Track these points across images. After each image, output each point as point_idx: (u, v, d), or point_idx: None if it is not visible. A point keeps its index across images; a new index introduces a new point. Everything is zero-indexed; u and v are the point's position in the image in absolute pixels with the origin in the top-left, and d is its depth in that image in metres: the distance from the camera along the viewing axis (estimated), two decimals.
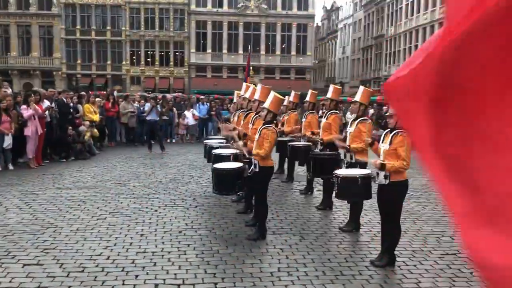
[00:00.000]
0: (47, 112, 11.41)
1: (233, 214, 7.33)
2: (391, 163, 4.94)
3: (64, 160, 12.07)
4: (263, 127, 5.80)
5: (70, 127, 12.05)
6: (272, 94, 5.93)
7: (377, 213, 7.39)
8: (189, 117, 17.94)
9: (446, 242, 6.21)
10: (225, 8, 46.98)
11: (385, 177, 5.05)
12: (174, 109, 17.73)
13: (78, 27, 45.32)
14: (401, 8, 43.06)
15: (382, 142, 5.25)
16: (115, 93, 16.76)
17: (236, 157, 6.57)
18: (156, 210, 7.43)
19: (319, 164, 6.46)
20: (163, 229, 6.44)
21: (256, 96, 6.51)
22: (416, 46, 40.09)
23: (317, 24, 60.61)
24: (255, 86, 7.32)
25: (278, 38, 47.25)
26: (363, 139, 6.28)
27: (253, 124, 6.42)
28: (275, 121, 6.18)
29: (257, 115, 6.45)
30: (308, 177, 9.04)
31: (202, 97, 18.91)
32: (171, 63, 46.96)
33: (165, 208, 7.57)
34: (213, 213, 7.33)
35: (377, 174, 5.21)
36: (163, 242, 5.86)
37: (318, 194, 8.90)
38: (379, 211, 5.35)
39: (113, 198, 8.22)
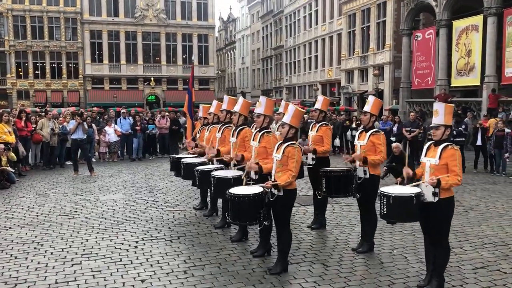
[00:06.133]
0: None
1: (227, 242, 6.47)
2: (446, 180, 4.55)
3: None
4: (286, 144, 5.10)
5: None
6: (292, 107, 5.25)
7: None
8: (111, 133, 16.35)
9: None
10: (121, 17, 44.90)
11: (434, 194, 4.66)
12: (93, 125, 16.02)
13: None
14: (299, 19, 44.46)
15: (426, 156, 4.84)
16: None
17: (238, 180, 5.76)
18: (135, 246, 6.30)
19: (334, 181, 5.87)
20: (161, 270, 5.40)
21: (260, 110, 5.74)
22: (316, 57, 41.63)
23: None
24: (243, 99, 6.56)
25: (179, 48, 46.22)
26: (379, 151, 5.87)
27: (259, 142, 5.66)
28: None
29: (263, 131, 5.71)
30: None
31: (123, 110, 17.38)
32: (64, 75, 43.59)
33: (144, 243, 6.46)
34: (205, 244, 6.40)
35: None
36: None
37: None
38: (423, 231, 4.92)
39: (72, 235, 6.87)
